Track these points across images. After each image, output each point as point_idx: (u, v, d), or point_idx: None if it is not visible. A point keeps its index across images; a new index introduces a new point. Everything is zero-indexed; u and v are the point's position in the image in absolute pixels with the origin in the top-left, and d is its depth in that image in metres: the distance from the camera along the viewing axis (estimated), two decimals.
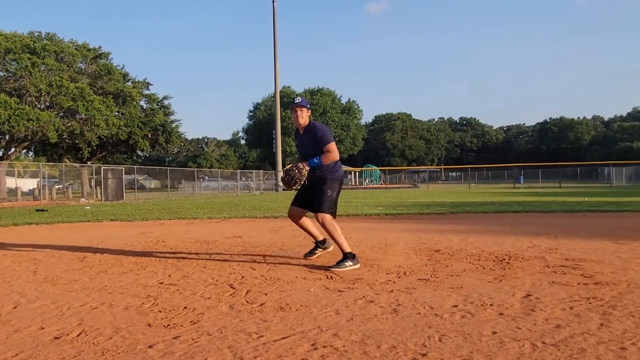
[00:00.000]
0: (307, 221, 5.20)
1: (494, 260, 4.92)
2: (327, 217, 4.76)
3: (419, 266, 4.70)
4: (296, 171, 4.66)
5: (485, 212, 11.53)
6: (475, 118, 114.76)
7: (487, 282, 3.92)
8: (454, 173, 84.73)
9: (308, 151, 4.85)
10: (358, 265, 4.68)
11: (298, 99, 4.89)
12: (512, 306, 3.19)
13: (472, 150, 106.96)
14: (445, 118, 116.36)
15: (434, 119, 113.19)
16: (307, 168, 4.69)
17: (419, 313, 3.08)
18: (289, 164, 4.72)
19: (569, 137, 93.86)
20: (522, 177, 56.29)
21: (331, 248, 5.31)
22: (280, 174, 44.88)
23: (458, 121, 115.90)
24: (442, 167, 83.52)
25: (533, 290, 3.60)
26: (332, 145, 4.74)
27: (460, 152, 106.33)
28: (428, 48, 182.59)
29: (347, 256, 4.67)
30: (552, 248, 5.65)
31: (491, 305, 3.23)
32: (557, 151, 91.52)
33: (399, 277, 4.19)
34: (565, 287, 3.68)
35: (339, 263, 4.64)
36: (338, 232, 4.73)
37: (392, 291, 3.68)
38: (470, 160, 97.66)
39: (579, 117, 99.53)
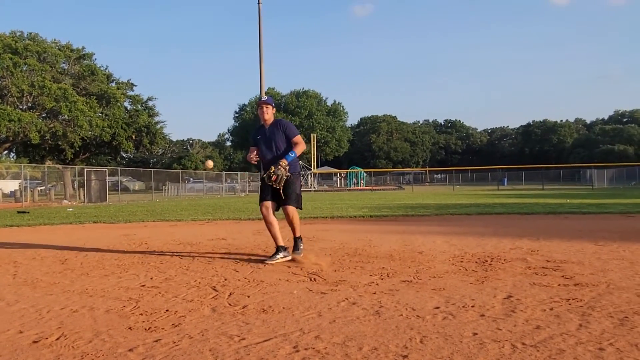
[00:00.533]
0: (277, 223, 5.36)
1: (476, 262, 4.95)
2: (295, 210, 5.30)
3: (402, 268, 4.72)
4: (282, 169, 5.02)
5: (468, 214, 11.62)
6: (459, 120, 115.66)
7: (469, 284, 3.95)
8: (439, 175, 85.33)
9: (274, 144, 5.34)
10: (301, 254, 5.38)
11: (265, 97, 5.58)
12: (493, 307, 3.21)
13: (456, 152, 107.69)
14: (430, 120, 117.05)
15: (419, 121, 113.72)
16: (287, 163, 5.10)
17: (401, 315, 3.09)
18: (272, 168, 5.08)
19: (552, 140, 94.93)
20: (505, 179, 56.91)
21: (290, 257, 5.29)
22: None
23: (443, 123, 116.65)
24: (427, 169, 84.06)
25: (514, 292, 3.63)
26: (300, 137, 5.39)
27: (445, 154, 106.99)
28: (413, 50, 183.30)
29: (299, 239, 5.48)
30: (533, 250, 5.71)
31: (472, 306, 3.25)
32: (540, 153, 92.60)
33: (382, 279, 4.20)
34: (546, 289, 3.72)
35: (296, 249, 5.38)
36: (299, 223, 5.43)
37: (375, 293, 3.69)
38: (455, 162, 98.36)
39: (561, 120, 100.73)
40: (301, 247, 5.44)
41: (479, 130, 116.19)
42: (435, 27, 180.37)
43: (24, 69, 31.13)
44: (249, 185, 46.66)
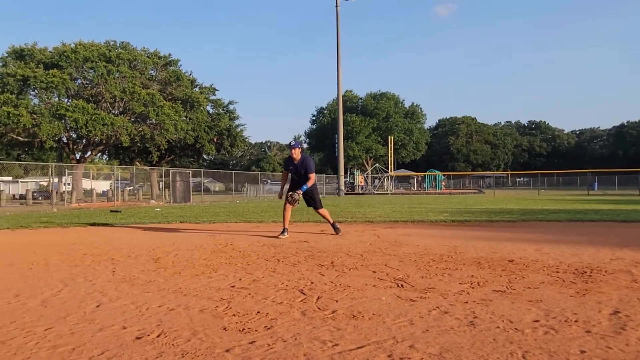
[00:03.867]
0: (289, 213, 8.39)
1: (573, 273, 4.68)
2: (324, 210, 8.69)
3: (492, 277, 4.54)
4: (297, 196, 8.19)
5: (558, 221, 11.03)
6: (544, 121, 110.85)
7: (568, 296, 3.73)
8: (522, 178, 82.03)
9: (299, 174, 8.37)
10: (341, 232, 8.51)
11: (293, 142, 8.62)
12: (599, 323, 3.01)
13: (541, 155, 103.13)
14: (513, 121, 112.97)
15: (500, 123, 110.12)
16: (301, 193, 8.25)
17: (498, 327, 2.96)
18: (291, 193, 8.26)
19: None
20: (596, 183, 53.57)
21: (286, 235, 8.17)
22: (342, 179, 44.95)
23: (526, 125, 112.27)
24: (509, 172, 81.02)
25: (621, 307, 3.38)
26: (312, 174, 8.33)
27: (529, 156, 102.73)
28: (495, 49, 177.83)
29: (334, 224, 8.65)
30: (638, 261, 5.31)
31: (576, 321, 3.06)
32: (636, 156, 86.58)
33: (473, 288, 4.06)
34: None
35: (336, 230, 8.52)
36: (329, 215, 8.76)
37: (466, 302, 3.57)
38: (539, 165, 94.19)
39: None
40: (337, 227, 8.60)
41: (566, 132, 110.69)
42: (519, 25, 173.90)
43: (116, 76, 33.11)
44: (326, 188, 46.93)
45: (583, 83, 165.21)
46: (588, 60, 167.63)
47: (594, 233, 8.47)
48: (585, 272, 4.69)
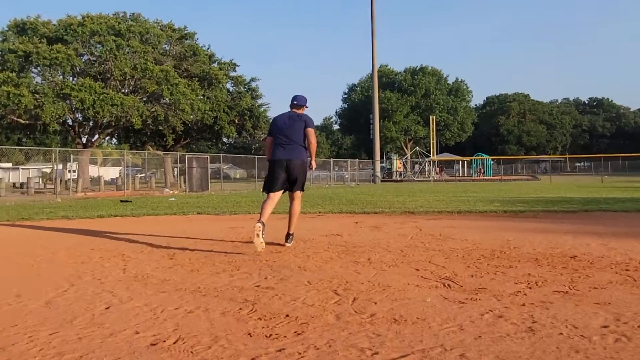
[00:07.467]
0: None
1: None
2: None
3: (552, 275, 4.45)
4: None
5: (626, 211, 10.78)
6: (608, 98, 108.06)
7: None
8: (582, 163, 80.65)
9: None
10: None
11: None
12: None
13: (604, 136, 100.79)
14: (571, 99, 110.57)
15: (557, 100, 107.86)
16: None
17: (561, 333, 2.89)
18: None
19: None
20: None
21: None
22: (378, 164, 44.76)
23: (587, 102, 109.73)
24: (567, 156, 79.61)
25: None
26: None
27: (590, 138, 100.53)
28: (552, 19, 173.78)
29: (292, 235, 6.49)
30: None
31: None
32: None
33: (530, 288, 3.98)
34: None
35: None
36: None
37: (523, 305, 3.49)
38: (602, 148, 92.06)
39: None
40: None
41: (632, 110, 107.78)
42: None
43: (127, 51, 33.48)
44: (360, 174, 46.81)
45: None
46: None
47: None
48: None
